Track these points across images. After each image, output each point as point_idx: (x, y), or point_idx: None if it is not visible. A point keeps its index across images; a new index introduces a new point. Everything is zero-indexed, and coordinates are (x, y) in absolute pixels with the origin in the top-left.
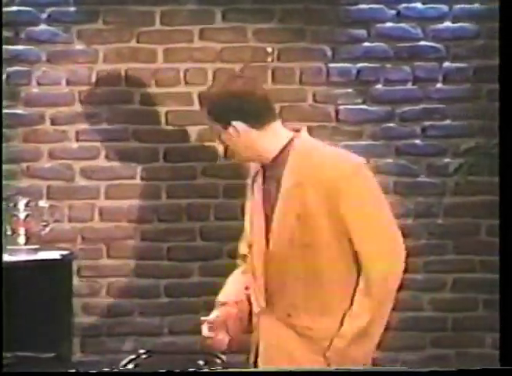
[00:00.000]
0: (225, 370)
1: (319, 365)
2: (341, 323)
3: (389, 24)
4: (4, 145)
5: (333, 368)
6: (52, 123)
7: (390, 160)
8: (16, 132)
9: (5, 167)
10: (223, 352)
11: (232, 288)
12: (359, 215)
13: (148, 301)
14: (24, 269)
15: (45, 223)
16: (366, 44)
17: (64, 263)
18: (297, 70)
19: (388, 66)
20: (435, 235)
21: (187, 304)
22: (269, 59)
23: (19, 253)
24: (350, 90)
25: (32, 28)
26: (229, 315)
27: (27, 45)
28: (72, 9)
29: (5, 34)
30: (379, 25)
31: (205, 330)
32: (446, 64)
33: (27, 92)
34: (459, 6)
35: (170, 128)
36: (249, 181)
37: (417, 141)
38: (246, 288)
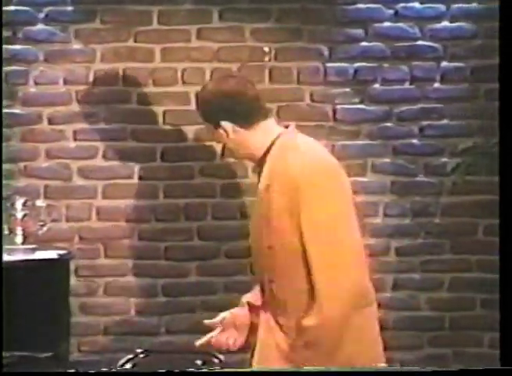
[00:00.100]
0: (223, 370)
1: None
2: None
3: (387, 24)
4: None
5: (333, 368)
6: (50, 122)
7: (387, 160)
8: (14, 132)
9: (2, 166)
10: (221, 352)
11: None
12: (312, 219)
13: (145, 300)
14: (22, 269)
15: (42, 223)
16: (364, 43)
17: (62, 263)
18: (295, 69)
19: (386, 65)
20: (432, 234)
21: (184, 303)
22: (266, 59)
23: (16, 253)
24: (347, 90)
25: (29, 28)
26: (238, 315)
27: (25, 44)
28: (69, 8)
29: (3, 33)
30: (376, 24)
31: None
32: (444, 64)
33: (24, 92)
34: (456, 6)
35: (167, 127)
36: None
37: (415, 141)
38: None
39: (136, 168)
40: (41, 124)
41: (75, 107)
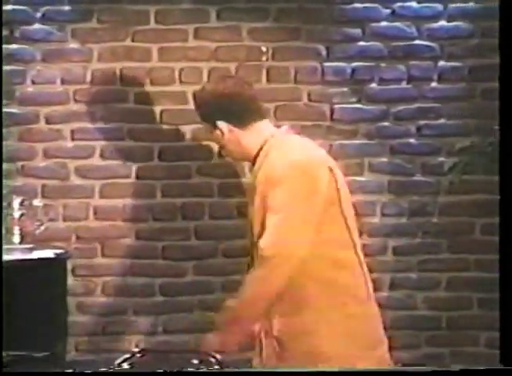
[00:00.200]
0: (221, 371)
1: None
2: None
3: (384, 23)
4: None
5: (333, 368)
6: (47, 122)
7: (384, 159)
8: (11, 131)
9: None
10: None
11: None
12: (272, 205)
13: (143, 300)
14: (19, 268)
15: (39, 222)
16: (361, 43)
17: (59, 262)
18: (292, 69)
19: (383, 65)
20: (430, 234)
21: (182, 303)
22: (264, 58)
23: (13, 252)
24: (345, 89)
25: (26, 27)
26: None
27: (22, 44)
28: (66, 7)
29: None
30: (374, 24)
31: None
32: (441, 63)
33: (21, 91)
34: (454, 5)
35: (165, 127)
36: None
37: (412, 140)
38: None
39: (133, 167)
40: (38, 124)
41: (72, 107)
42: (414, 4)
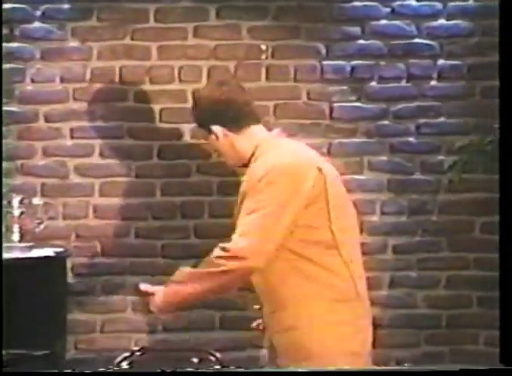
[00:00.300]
0: (221, 370)
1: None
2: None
3: (383, 22)
4: None
5: (332, 368)
6: (46, 120)
7: (384, 158)
8: (10, 130)
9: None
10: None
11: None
12: (247, 205)
13: (142, 298)
14: (18, 267)
15: (39, 221)
16: (361, 41)
17: (58, 260)
18: (292, 67)
19: (382, 63)
20: (429, 232)
21: None
22: (263, 57)
23: (13, 250)
24: (344, 87)
25: (26, 25)
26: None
27: (21, 42)
28: (66, 6)
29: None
30: (373, 22)
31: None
32: (441, 62)
33: (21, 90)
34: (453, 4)
35: (164, 125)
36: None
37: (411, 138)
38: None
39: (133, 165)
40: (37, 122)
41: (72, 105)
42: (413, 2)
